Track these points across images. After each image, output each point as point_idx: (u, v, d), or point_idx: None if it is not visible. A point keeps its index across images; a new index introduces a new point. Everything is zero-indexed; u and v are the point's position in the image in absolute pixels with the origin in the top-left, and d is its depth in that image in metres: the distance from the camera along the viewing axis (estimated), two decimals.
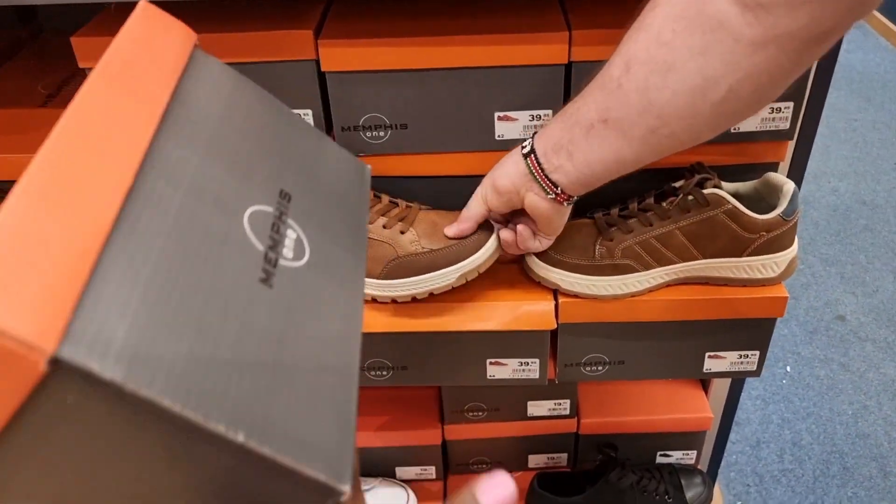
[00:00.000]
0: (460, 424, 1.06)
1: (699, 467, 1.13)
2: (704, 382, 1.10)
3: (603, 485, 1.04)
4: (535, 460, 1.14)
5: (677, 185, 0.73)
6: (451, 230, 0.70)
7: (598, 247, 0.74)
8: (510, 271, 0.79)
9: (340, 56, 0.70)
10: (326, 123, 0.75)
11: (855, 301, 1.92)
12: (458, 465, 1.14)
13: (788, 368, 1.75)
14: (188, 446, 0.30)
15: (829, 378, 1.72)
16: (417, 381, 0.83)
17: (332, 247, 0.43)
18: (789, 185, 0.73)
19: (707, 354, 0.82)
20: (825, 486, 1.49)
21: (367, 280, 0.74)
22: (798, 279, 1.98)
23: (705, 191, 0.71)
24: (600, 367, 0.83)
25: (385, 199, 0.74)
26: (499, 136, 0.74)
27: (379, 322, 0.75)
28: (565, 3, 0.74)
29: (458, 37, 0.68)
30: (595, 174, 0.61)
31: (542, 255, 0.74)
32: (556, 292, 0.77)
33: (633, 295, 0.76)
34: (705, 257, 0.74)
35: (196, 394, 0.29)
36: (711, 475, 1.16)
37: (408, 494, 1.10)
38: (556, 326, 0.77)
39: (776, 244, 0.73)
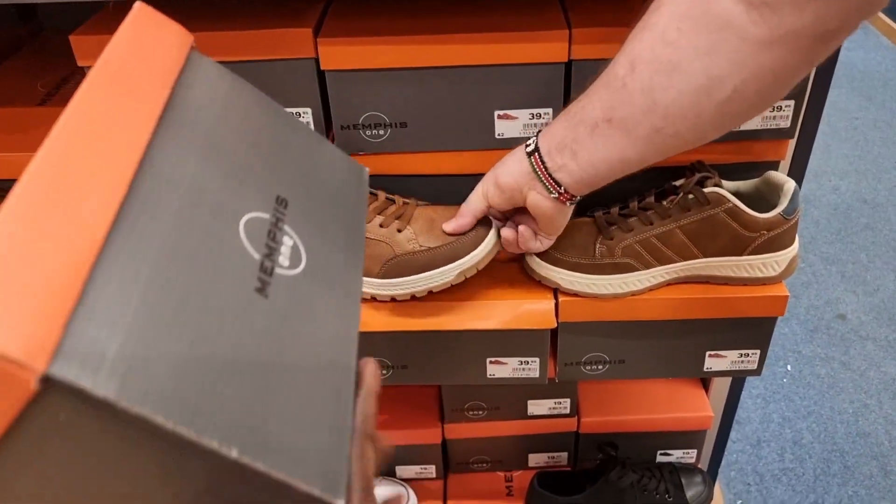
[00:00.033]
0: (460, 423, 1.06)
1: (699, 466, 1.13)
2: (705, 381, 1.09)
3: (603, 484, 1.04)
4: (536, 459, 1.14)
5: (678, 183, 0.72)
6: (449, 226, 0.70)
7: (598, 245, 0.74)
8: (510, 270, 0.79)
9: (340, 54, 0.69)
10: (326, 122, 0.75)
11: (856, 300, 1.92)
12: (458, 464, 1.14)
13: (789, 367, 1.75)
14: (181, 461, 0.29)
15: (829, 377, 1.72)
16: (417, 380, 0.83)
17: (328, 252, 0.43)
18: (790, 184, 0.73)
19: (707, 353, 0.82)
20: (826, 484, 1.48)
21: (365, 279, 0.73)
22: (799, 278, 1.97)
23: (706, 189, 0.71)
24: (600, 366, 0.82)
25: (381, 195, 0.74)
26: (499, 135, 0.74)
27: (379, 321, 0.75)
28: (565, 2, 0.74)
29: (457, 35, 0.68)
30: (599, 174, 0.60)
31: (542, 254, 0.74)
32: (556, 291, 0.77)
33: (633, 294, 0.75)
34: (706, 256, 0.74)
35: (189, 409, 0.29)
36: (712, 474, 1.16)
37: (408, 493, 1.10)
38: (556, 325, 0.77)
39: (777, 243, 0.73)
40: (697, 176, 0.71)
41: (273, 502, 0.32)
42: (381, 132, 0.74)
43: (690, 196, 0.71)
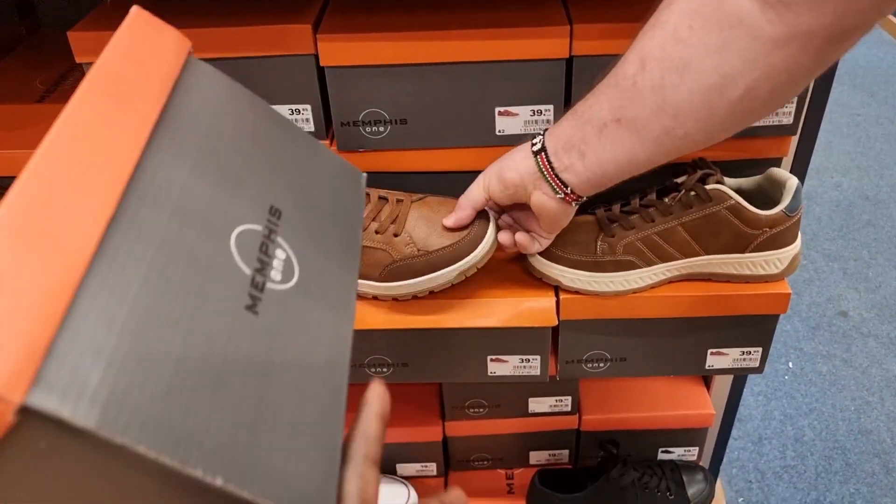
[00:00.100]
0: (461, 421, 1.06)
1: (701, 464, 1.13)
2: (706, 379, 1.09)
3: (604, 481, 1.04)
4: (537, 457, 1.14)
5: (679, 180, 0.72)
6: (449, 220, 0.70)
7: (599, 243, 0.73)
8: (511, 268, 0.79)
9: (339, 51, 0.69)
10: (326, 119, 0.75)
11: (857, 297, 1.92)
12: (458, 461, 1.14)
13: (791, 364, 1.74)
14: (165, 489, 0.29)
15: (831, 374, 1.71)
16: (418, 378, 0.83)
17: (323, 263, 0.42)
18: (792, 181, 0.72)
19: (709, 351, 0.82)
20: (827, 482, 1.48)
21: (366, 282, 0.73)
22: (800, 275, 1.97)
23: (708, 186, 0.70)
24: (602, 364, 0.82)
25: (374, 195, 0.73)
26: (499, 132, 0.74)
27: (379, 319, 0.74)
28: None
29: (458, 31, 0.68)
30: (606, 174, 0.60)
31: (543, 252, 0.74)
32: (557, 289, 0.76)
33: (634, 291, 0.75)
34: (708, 253, 0.73)
35: (173, 437, 0.28)
36: (713, 471, 1.15)
37: (408, 491, 1.10)
38: (557, 323, 0.76)
39: (779, 240, 0.73)
40: (699, 173, 0.71)
41: None
42: (382, 129, 0.74)
43: (692, 193, 0.71)
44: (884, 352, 1.76)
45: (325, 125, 0.75)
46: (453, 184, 0.74)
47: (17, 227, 0.28)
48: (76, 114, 0.33)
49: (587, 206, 0.75)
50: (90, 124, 0.33)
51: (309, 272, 0.40)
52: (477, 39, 0.68)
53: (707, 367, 0.83)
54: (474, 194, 0.68)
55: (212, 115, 0.41)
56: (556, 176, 0.61)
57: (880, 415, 1.61)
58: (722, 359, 0.82)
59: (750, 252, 0.73)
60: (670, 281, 0.76)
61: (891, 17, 3.25)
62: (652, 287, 0.76)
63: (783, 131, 0.75)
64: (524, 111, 0.73)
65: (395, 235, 0.70)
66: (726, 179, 0.73)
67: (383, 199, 0.73)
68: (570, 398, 1.03)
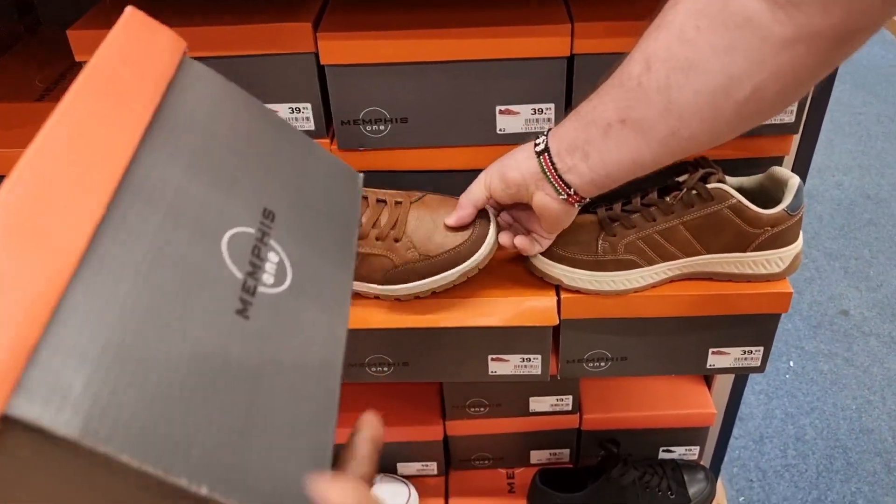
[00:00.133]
0: (462, 420, 1.06)
1: (702, 463, 1.12)
2: (707, 378, 1.09)
3: (605, 481, 1.04)
4: (538, 456, 1.14)
5: (681, 179, 0.72)
6: (451, 219, 0.69)
7: (600, 242, 0.73)
8: (512, 267, 0.79)
9: (340, 49, 0.69)
10: (326, 117, 0.74)
11: (859, 295, 1.91)
12: (459, 460, 1.14)
13: (792, 363, 1.74)
14: (152, 497, 0.29)
15: (832, 373, 1.71)
16: (419, 378, 0.83)
17: (317, 265, 0.42)
18: (794, 180, 0.72)
19: (710, 350, 0.81)
20: (829, 481, 1.48)
21: (368, 285, 0.73)
22: (802, 274, 1.97)
23: (709, 185, 0.70)
24: (603, 364, 0.82)
25: (372, 198, 0.72)
26: (500, 130, 0.74)
27: (380, 318, 0.74)
28: None
29: (458, 29, 0.68)
30: (610, 175, 0.59)
31: (544, 251, 0.74)
32: (558, 288, 0.76)
33: (635, 290, 0.75)
34: (709, 253, 0.73)
35: (157, 446, 0.28)
36: (714, 471, 1.15)
37: (409, 490, 1.10)
38: (558, 322, 0.76)
39: (781, 239, 0.73)
40: (701, 172, 0.71)
41: None
42: (382, 127, 0.73)
43: (694, 192, 0.70)
44: (885, 350, 1.76)
45: (326, 124, 0.75)
46: (454, 182, 0.73)
47: (3, 229, 0.27)
48: (68, 114, 0.33)
49: (588, 205, 0.75)
50: (82, 124, 0.33)
51: (302, 274, 0.40)
52: (478, 38, 0.68)
53: (708, 367, 0.83)
54: (475, 193, 0.68)
55: (206, 115, 0.40)
56: (560, 177, 0.61)
57: (881, 414, 1.61)
58: (723, 358, 0.82)
59: (751, 251, 0.73)
60: (671, 280, 0.76)
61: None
62: (653, 286, 0.75)
63: (785, 130, 0.74)
64: (525, 110, 0.72)
65: (396, 241, 0.70)
66: (728, 178, 0.73)
67: (381, 201, 0.72)
68: (570, 397, 1.03)
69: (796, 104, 0.72)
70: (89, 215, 0.30)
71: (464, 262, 0.69)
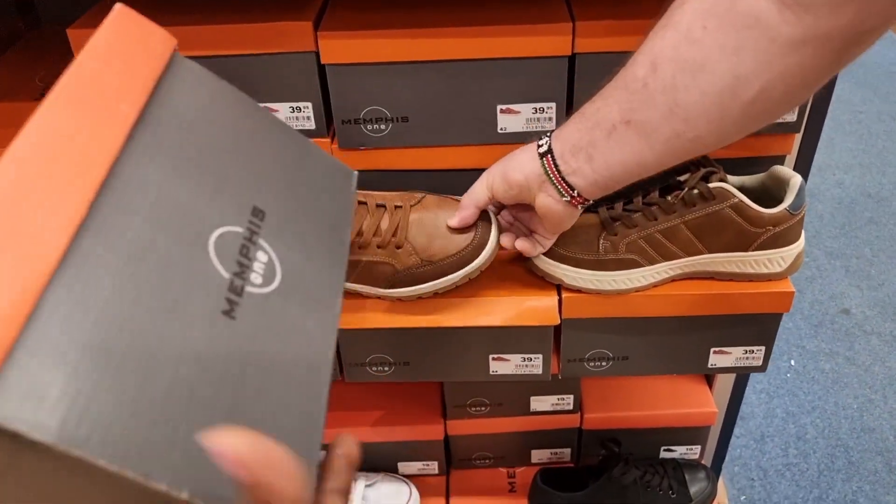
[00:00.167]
0: (463, 420, 1.06)
1: (703, 462, 1.12)
2: (708, 377, 1.09)
3: (606, 480, 1.04)
4: (539, 455, 1.14)
5: (682, 178, 0.72)
6: (453, 220, 0.69)
7: (602, 242, 0.73)
8: (513, 267, 0.78)
9: (340, 48, 0.69)
10: (327, 116, 0.74)
11: (860, 294, 1.91)
12: (460, 460, 1.14)
13: (793, 362, 1.74)
14: (132, 500, 0.28)
15: (834, 372, 1.71)
16: (419, 377, 0.83)
17: (307, 264, 0.41)
18: (796, 179, 0.72)
19: (712, 350, 0.81)
20: (830, 480, 1.48)
21: (371, 289, 0.73)
22: (803, 272, 1.97)
23: (711, 185, 0.70)
24: (604, 363, 0.82)
25: (371, 203, 0.72)
26: (501, 129, 0.73)
27: (381, 318, 0.74)
28: None
29: (459, 28, 0.68)
30: (614, 177, 0.59)
31: (545, 251, 0.74)
32: (559, 287, 0.76)
33: (637, 290, 0.75)
34: (711, 252, 0.73)
35: (137, 450, 0.27)
36: (715, 470, 1.15)
37: (410, 490, 1.09)
38: (559, 322, 0.76)
39: (782, 238, 0.72)
40: (702, 171, 0.71)
41: None
42: (383, 127, 0.73)
43: (695, 191, 0.70)
44: (886, 349, 1.76)
45: (326, 123, 0.75)
46: (455, 181, 0.73)
47: None
48: (50, 112, 0.32)
49: (590, 204, 0.75)
50: (65, 123, 0.32)
51: (292, 274, 0.39)
52: (479, 37, 0.68)
53: (709, 366, 0.82)
54: (478, 193, 0.68)
55: (195, 113, 0.40)
56: (563, 179, 0.60)
57: (883, 412, 1.61)
58: (724, 358, 0.82)
59: (753, 251, 0.73)
60: (673, 279, 0.76)
61: None
62: (654, 286, 0.75)
63: (786, 129, 0.74)
64: (526, 109, 0.72)
65: (398, 247, 0.70)
66: (729, 177, 0.73)
67: (381, 206, 0.72)
68: (571, 397, 1.03)
69: None
70: (70, 215, 0.30)
71: (466, 265, 0.69)
